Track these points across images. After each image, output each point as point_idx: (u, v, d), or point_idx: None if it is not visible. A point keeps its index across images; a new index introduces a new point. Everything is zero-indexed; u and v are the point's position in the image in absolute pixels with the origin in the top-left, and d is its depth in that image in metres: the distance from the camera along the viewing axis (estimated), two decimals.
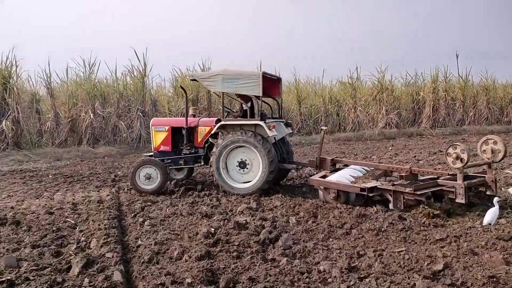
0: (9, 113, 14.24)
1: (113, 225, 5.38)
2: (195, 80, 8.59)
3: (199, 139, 8.19)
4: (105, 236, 4.77)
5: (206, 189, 7.80)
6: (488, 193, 5.98)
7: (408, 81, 21.96)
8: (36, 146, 15.03)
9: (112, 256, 4.18)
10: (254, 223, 5.30)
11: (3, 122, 13.84)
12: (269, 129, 7.27)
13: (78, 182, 9.20)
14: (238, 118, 7.94)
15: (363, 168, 7.44)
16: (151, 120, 8.87)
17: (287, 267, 3.92)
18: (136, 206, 6.61)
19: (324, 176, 6.93)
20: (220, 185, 7.53)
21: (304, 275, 3.78)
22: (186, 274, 3.74)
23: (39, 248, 4.54)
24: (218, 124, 7.61)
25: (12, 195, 7.82)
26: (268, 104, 9.85)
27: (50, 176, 10.23)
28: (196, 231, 5.01)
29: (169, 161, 8.23)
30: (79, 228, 5.48)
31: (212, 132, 7.75)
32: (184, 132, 8.21)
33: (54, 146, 15.08)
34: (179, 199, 7.11)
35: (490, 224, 5.05)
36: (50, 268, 3.93)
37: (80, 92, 15.88)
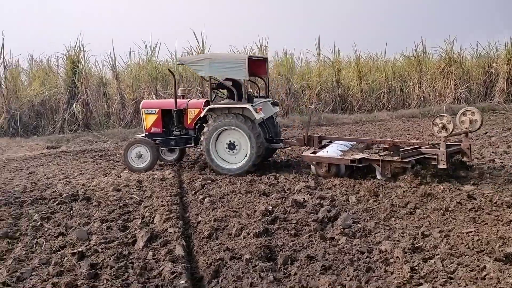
0: (79, 96, 15.15)
1: (175, 201, 5.56)
2: (182, 64, 8.73)
3: (189, 121, 8.33)
4: (167, 212, 4.94)
5: (263, 168, 7.81)
6: (464, 159, 6.50)
7: (479, 52, 20.33)
8: (104, 127, 15.89)
9: (174, 231, 4.32)
10: (312, 201, 5.23)
11: (74, 105, 14.76)
12: (256, 112, 7.43)
13: None
14: (226, 101, 8.18)
15: (348, 143, 7.80)
16: (141, 102, 9.15)
17: (346, 246, 3.84)
18: (196, 184, 6.79)
19: (314, 152, 7.32)
20: (209, 166, 7.81)
21: (365, 255, 3.68)
22: (244, 250, 3.78)
23: (107, 223, 4.80)
24: (207, 108, 7.76)
25: (83, 173, 8.35)
26: (256, 84, 10.03)
27: (117, 155, 10.78)
28: (254, 209, 5.04)
29: (160, 142, 8.47)
30: (143, 204, 5.73)
31: (201, 115, 7.98)
32: (174, 114, 8.33)
33: (121, 127, 15.87)
34: (238, 177, 7.18)
35: None
36: (117, 241, 4.15)
37: (143, 74, 16.47)
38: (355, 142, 7.86)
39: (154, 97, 15.65)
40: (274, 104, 8.67)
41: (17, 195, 6.55)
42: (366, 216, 4.72)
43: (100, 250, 3.89)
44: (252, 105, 7.47)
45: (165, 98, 16.28)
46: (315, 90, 18.04)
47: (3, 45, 14.49)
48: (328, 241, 4.00)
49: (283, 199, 5.41)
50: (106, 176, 7.90)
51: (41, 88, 15.70)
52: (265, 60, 9.06)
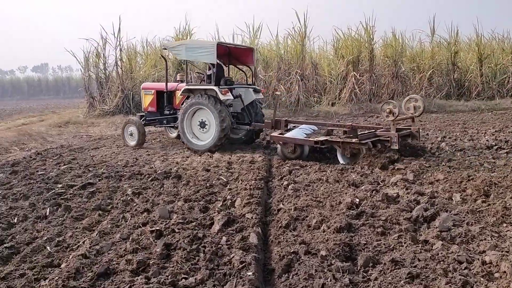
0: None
1: (259, 186, 5.39)
2: (165, 49, 9.69)
3: (177, 102, 9.29)
4: (248, 197, 4.80)
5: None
6: (414, 141, 7.25)
7: None
8: None
9: (251, 217, 4.15)
10: (408, 197, 4.64)
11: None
12: (222, 94, 8.10)
13: (234, 143, 9.66)
14: (202, 83, 9.11)
15: (313, 127, 8.23)
16: (142, 84, 10.41)
17: (441, 253, 3.27)
18: (284, 169, 6.56)
19: (281, 134, 7.91)
20: (183, 142, 8.78)
21: (463, 265, 3.09)
22: (321, 245, 3.44)
23: (190, 203, 4.82)
24: (182, 89, 8.77)
25: (181, 152, 8.68)
26: (243, 71, 10.75)
27: None
28: (340, 200, 4.63)
29: (155, 120, 9.70)
30: (229, 186, 5.68)
31: (179, 95, 9.02)
32: (165, 95, 9.44)
33: None
34: (329, 165, 6.78)
35: None
36: (195, 222, 4.11)
37: None
38: (320, 127, 8.35)
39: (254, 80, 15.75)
40: (256, 91, 9.27)
41: (118, 169, 7.01)
42: (470, 219, 4.02)
43: (177, 230, 3.87)
44: (219, 87, 8.19)
45: (264, 81, 16.33)
46: (426, 74, 16.51)
47: (119, 28, 15.77)
48: (420, 245, 3.46)
49: (374, 191, 4.90)
50: (200, 155, 8.08)
51: (152, 69, 16.80)
52: (251, 49, 9.78)
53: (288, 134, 7.78)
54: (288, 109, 15.47)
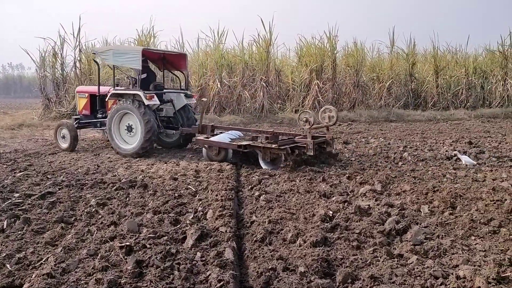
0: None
1: (230, 196, 5.30)
2: (95, 53, 9.63)
3: (109, 106, 9.34)
4: (220, 208, 4.69)
5: (325, 167, 7.33)
6: (328, 149, 7.70)
7: None
8: None
9: (226, 231, 4.05)
10: (379, 209, 4.72)
11: None
12: (146, 99, 8.27)
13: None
14: (130, 87, 9.07)
15: (238, 133, 8.57)
16: (76, 88, 10.55)
17: (417, 268, 3.32)
18: (253, 178, 6.51)
19: (207, 137, 8.27)
20: (112, 146, 8.91)
21: (439, 280, 3.14)
22: (299, 261, 3.40)
23: (160, 215, 4.65)
24: (110, 94, 8.87)
25: (145, 159, 8.42)
26: (177, 76, 11.12)
27: None
28: (313, 212, 4.63)
29: (90, 123, 9.77)
30: (198, 196, 5.55)
31: (106, 99, 9.16)
32: (97, 99, 9.52)
33: None
34: (298, 174, 6.80)
35: None
36: (166, 237, 3.95)
37: (209, 62, 16.50)
38: (246, 132, 8.77)
39: (218, 85, 15.65)
40: (188, 96, 9.54)
41: (79, 177, 6.68)
42: (440, 232, 4.12)
43: (148, 246, 3.71)
44: (144, 92, 8.35)
45: (229, 86, 16.25)
46: (385, 84, 17.06)
47: (79, 28, 15.19)
48: (396, 259, 3.51)
49: (346, 203, 4.94)
50: (165, 163, 7.87)
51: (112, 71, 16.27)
52: (184, 55, 10.13)
53: (213, 138, 8.19)
54: (252, 115, 15.47)
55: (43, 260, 3.55)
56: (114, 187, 5.96)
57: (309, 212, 4.70)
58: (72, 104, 14.82)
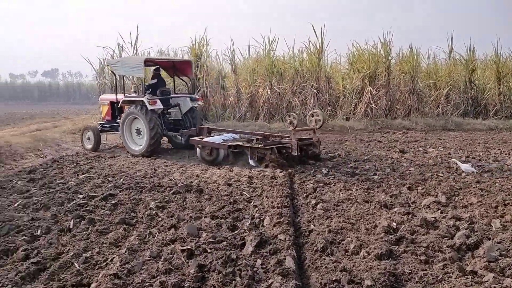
0: (199, 88, 15.82)
1: (286, 204, 5.23)
2: (108, 65, 10.67)
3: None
4: (278, 216, 4.63)
5: (383, 174, 7.08)
6: (314, 150, 8.22)
7: None
8: (220, 119, 16.41)
9: (285, 239, 3.98)
10: (446, 222, 4.46)
11: None
12: (150, 104, 9.06)
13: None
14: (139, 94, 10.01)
15: (233, 136, 9.00)
16: (100, 96, 11.70)
17: (495, 286, 3.08)
18: (308, 186, 6.39)
19: (201, 138, 8.74)
20: (124, 146, 9.91)
21: None
22: (364, 274, 3.26)
23: (217, 220, 4.66)
24: (121, 100, 9.91)
25: (198, 164, 8.54)
26: (184, 81, 11.85)
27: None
28: (375, 223, 4.45)
29: (112, 127, 10.71)
30: (253, 202, 5.52)
31: (118, 106, 10.18)
32: (116, 106, 10.40)
33: (235, 119, 16.22)
34: (353, 183, 6.60)
35: None
36: (225, 242, 3.95)
37: (259, 69, 16.58)
38: (241, 135, 9.27)
39: (268, 92, 15.68)
40: (193, 100, 10.23)
41: (138, 180, 6.88)
42: None
43: (209, 250, 3.71)
44: (148, 98, 9.20)
45: (279, 94, 16.24)
46: (443, 91, 16.32)
47: (137, 37, 15.76)
48: (470, 276, 3.27)
49: (409, 215, 4.71)
50: (219, 169, 7.93)
51: (166, 80, 16.76)
52: (190, 62, 11.00)
53: (207, 139, 8.67)
54: (302, 122, 15.30)
55: (109, 260, 3.65)
56: (172, 191, 6.08)
57: (370, 223, 4.52)
58: None
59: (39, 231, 4.43)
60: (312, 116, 8.49)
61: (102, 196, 5.76)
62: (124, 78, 10.74)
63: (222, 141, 8.49)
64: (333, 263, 3.55)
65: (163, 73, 11.17)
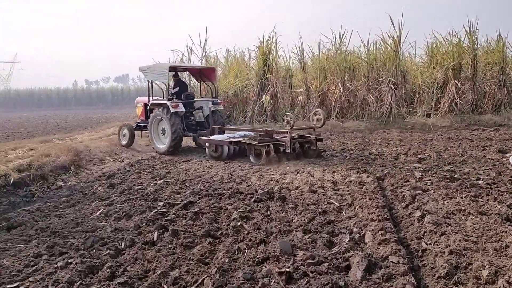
0: (268, 87, 15.43)
1: (385, 215, 4.60)
2: (140, 71, 11.24)
3: None
4: (381, 231, 4.02)
5: (488, 179, 6.16)
6: (312, 147, 8.97)
7: None
8: None
9: (398, 262, 3.38)
10: None
11: (264, 96, 15.08)
12: (172, 107, 9.94)
13: (331, 157, 8.97)
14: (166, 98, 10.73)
15: (244, 133, 9.59)
16: (136, 98, 12.72)
17: None
18: (404, 193, 5.68)
19: (208, 137, 9.64)
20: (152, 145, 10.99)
21: None
22: None
23: (310, 234, 4.16)
24: (150, 103, 10.97)
25: (275, 168, 8.10)
26: (209, 86, 12.47)
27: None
28: (504, 242, 3.70)
29: (145, 126, 11.35)
30: (345, 212, 4.97)
31: (148, 108, 11.16)
32: (147, 107, 11.19)
33: (305, 119, 15.62)
34: (456, 189, 5.77)
35: None
36: (327, 263, 3.43)
37: (331, 65, 15.84)
38: (251, 132, 9.83)
39: (341, 89, 14.91)
40: (215, 103, 11.06)
41: (215, 186, 6.58)
42: None
43: (310, 274, 3.22)
44: (171, 102, 10.08)
45: (351, 90, 15.41)
46: None
47: (206, 40, 15.75)
48: None
49: None
50: (297, 173, 7.44)
51: (235, 80, 16.59)
52: (214, 69, 12.20)
53: (212, 137, 9.55)
54: (378, 121, 14.39)
55: (199, 281, 3.28)
56: (253, 199, 5.67)
57: (496, 241, 3.78)
58: None
59: (123, 244, 4.20)
60: (315, 115, 8.99)
61: (182, 204, 5.50)
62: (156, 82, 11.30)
63: (228, 138, 9.16)
64: None
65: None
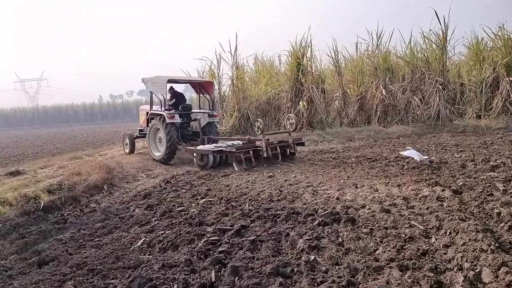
0: (304, 93, 14.59)
1: (492, 243, 3.68)
2: (143, 82, 11.66)
3: None
4: (505, 268, 3.12)
5: None
6: (290, 151, 9.81)
7: None
8: (325, 125, 15.01)
9: None
10: None
11: (300, 103, 14.25)
12: (168, 118, 10.50)
13: (387, 167, 8.06)
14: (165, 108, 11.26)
15: (232, 142, 10.21)
16: (140, 107, 13.55)
17: None
18: (497, 210, 4.72)
19: (196, 147, 10.18)
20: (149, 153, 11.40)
21: None
22: None
23: (409, 272, 3.29)
24: (149, 113, 11.52)
25: (327, 181, 7.25)
26: (207, 98, 12.76)
27: (352, 159, 9.51)
28: None
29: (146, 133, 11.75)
30: (436, 240, 4.06)
31: (147, 118, 11.80)
32: (149, 116, 11.63)
33: (344, 125, 14.71)
34: None
35: None
36: None
37: (369, 67, 14.90)
38: (241, 142, 10.30)
39: (383, 92, 13.94)
40: (211, 115, 11.72)
41: (265, 205, 5.78)
42: None
43: None
44: (167, 113, 10.66)
45: (393, 93, 14.41)
46: None
47: (236, 46, 15.10)
48: None
49: None
50: (356, 187, 6.56)
51: (266, 87, 15.84)
52: (211, 83, 13.19)
53: (199, 147, 9.95)
54: (426, 124, 13.31)
55: None
56: (316, 221, 4.84)
57: None
58: (231, 123, 14.76)
59: (175, 286, 3.44)
60: (288, 120, 9.95)
61: (234, 230, 4.71)
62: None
63: (214, 147, 9.52)
64: None
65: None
